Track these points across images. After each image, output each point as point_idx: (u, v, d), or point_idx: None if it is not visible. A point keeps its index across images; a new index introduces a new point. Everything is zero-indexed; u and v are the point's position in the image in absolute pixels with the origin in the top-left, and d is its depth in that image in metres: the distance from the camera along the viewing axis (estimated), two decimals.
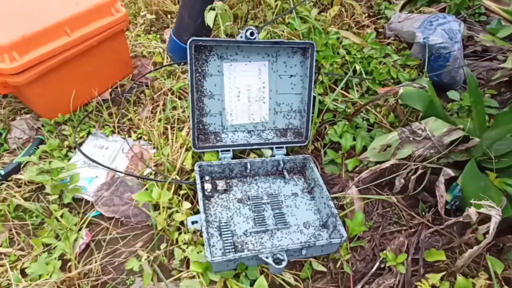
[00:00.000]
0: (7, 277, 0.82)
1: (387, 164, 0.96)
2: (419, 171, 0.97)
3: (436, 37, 1.37)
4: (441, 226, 0.92)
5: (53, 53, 1.02)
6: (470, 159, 0.98)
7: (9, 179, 1.02)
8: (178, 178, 1.01)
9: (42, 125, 1.15)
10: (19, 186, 1.01)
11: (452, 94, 1.32)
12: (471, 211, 0.84)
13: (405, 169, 1.01)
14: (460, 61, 1.35)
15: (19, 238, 0.92)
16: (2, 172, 1.01)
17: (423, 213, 1.02)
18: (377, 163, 1.07)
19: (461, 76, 1.39)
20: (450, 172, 0.94)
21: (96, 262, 0.86)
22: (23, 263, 0.85)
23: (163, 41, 1.58)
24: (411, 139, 1.00)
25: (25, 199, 0.98)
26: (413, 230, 1.01)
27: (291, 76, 1.07)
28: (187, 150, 1.06)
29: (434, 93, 1.02)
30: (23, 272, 0.84)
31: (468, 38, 1.63)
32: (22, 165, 1.05)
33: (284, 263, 0.79)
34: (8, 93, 1.16)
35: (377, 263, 0.95)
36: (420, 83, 1.03)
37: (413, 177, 0.98)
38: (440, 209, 0.94)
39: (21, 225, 0.94)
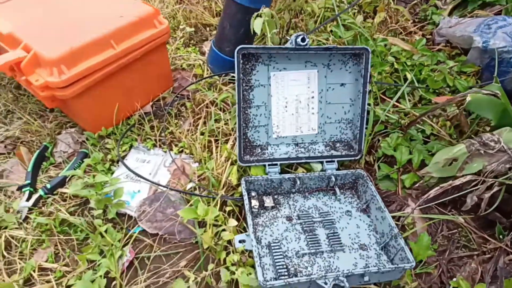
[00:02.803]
0: None
1: (462, 180, 0.85)
2: (495, 189, 0.86)
3: (497, 40, 1.26)
4: None
5: (99, 66, 1.01)
6: None
7: (54, 192, 1.01)
8: (223, 193, 0.96)
9: (86, 139, 1.14)
10: (64, 200, 1.00)
11: None
12: None
13: (475, 185, 0.90)
14: None
15: (64, 253, 0.89)
16: (49, 186, 1.00)
17: (501, 236, 0.90)
18: (440, 179, 0.97)
19: None
20: None
21: (141, 282, 0.82)
22: (68, 280, 0.83)
23: (202, 53, 1.56)
24: (482, 152, 0.90)
25: (70, 213, 0.96)
26: (487, 256, 0.89)
27: (342, 84, 1.01)
28: (232, 164, 1.01)
29: (507, 101, 0.91)
30: None
31: None
32: (67, 179, 1.04)
33: None
34: (55, 107, 1.17)
35: None
36: (490, 89, 0.93)
37: (487, 195, 0.87)
38: None
39: (66, 240, 0.92)
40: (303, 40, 0.88)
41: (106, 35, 1.02)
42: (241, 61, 0.91)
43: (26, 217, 0.95)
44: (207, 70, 1.41)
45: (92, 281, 0.79)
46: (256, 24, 0.99)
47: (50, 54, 0.93)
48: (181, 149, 1.16)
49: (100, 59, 1.01)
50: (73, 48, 0.95)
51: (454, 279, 0.85)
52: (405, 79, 1.30)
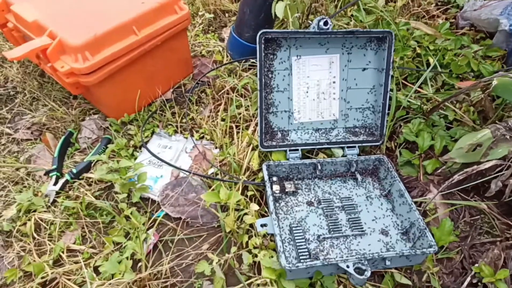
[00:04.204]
0: (82, 274, 0.82)
1: (488, 164, 0.84)
2: None
3: None
4: None
5: (122, 53, 1.02)
6: None
7: (80, 177, 1.04)
8: (245, 178, 0.97)
9: (110, 125, 1.16)
10: (90, 185, 1.03)
11: None
12: None
13: (500, 171, 0.88)
14: None
15: (91, 236, 0.93)
16: (74, 171, 1.03)
17: None
18: (463, 164, 0.95)
19: None
20: None
21: (165, 264, 0.84)
22: (96, 261, 0.86)
23: (221, 39, 1.56)
24: (508, 137, 0.88)
25: (96, 197, 0.99)
26: (511, 242, 0.88)
27: (364, 69, 0.99)
28: (253, 149, 1.01)
29: None
30: (96, 270, 0.84)
31: None
32: (92, 164, 1.07)
33: (367, 274, 0.72)
34: (79, 94, 1.19)
35: (468, 278, 0.84)
36: None
37: None
38: None
39: (92, 222, 0.95)
40: (325, 23, 0.87)
41: (129, 22, 1.02)
42: (263, 46, 0.91)
43: (54, 201, 0.99)
44: (227, 56, 1.41)
45: (119, 262, 0.81)
46: (278, 8, 0.98)
47: (75, 41, 0.94)
48: (202, 135, 1.17)
49: (122, 45, 1.02)
50: (97, 34, 0.96)
51: (477, 265, 0.84)
52: (428, 64, 1.27)
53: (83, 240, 0.92)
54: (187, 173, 1.03)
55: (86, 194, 0.99)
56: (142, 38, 1.06)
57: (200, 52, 1.47)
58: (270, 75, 0.96)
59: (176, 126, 1.19)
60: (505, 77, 0.91)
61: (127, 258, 0.82)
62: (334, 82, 1.00)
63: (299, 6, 1.02)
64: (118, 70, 1.05)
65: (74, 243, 0.91)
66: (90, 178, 1.04)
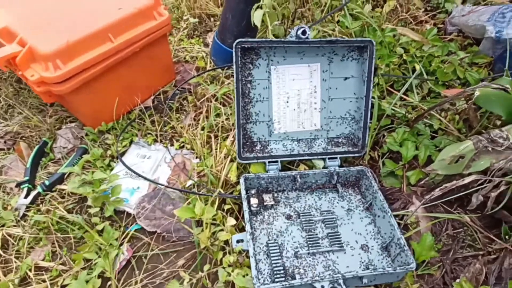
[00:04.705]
0: None
1: (468, 180, 0.82)
2: (502, 187, 0.82)
3: (511, 30, 1.20)
4: None
5: (97, 60, 0.99)
6: None
7: (53, 189, 1.00)
8: (222, 191, 0.94)
9: (86, 134, 1.13)
10: (63, 197, 1.00)
11: None
12: None
13: (482, 184, 0.86)
14: None
15: (61, 252, 0.89)
16: (47, 182, 0.99)
17: (507, 236, 0.87)
18: (446, 176, 0.93)
19: None
20: None
21: (137, 282, 0.81)
22: (64, 279, 0.82)
23: (206, 45, 1.53)
24: (490, 149, 0.85)
25: (68, 211, 0.95)
26: (493, 256, 0.86)
27: (346, 78, 0.97)
28: (231, 161, 0.98)
29: None
30: None
31: None
32: (66, 175, 1.03)
33: None
34: (53, 102, 1.16)
35: None
36: (500, 83, 0.88)
37: (493, 194, 0.83)
38: None
39: (63, 238, 0.92)
40: (304, 33, 0.84)
41: (104, 28, 0.99)
42: (240, 55, 0.88)
43: (24, 215, 0.95)
44: (210, 62, 1.38)
45: (87, 282, 0.78)
46: (256, 16, 0.95)
47: (45, 48, 0.91)
48: (182, 144, 1.14)
49: (97, 53, 0.99)
50: (70, 42, 0.93)
51: (458, 280, 0.82)
52: (414, 71, 1.25)
53: (53, 257, 0.89)
54: (163, 186, 0.99)
55: (57, 208, 0.95)
56: (119, 45, 1.03)
57: (184, 58, 1.44)
58: (248, 85, 0.93)
59: (156, 135, 1.16)
60: (487, 88, 0.89)
61: (95, 276, 0.79)
62: (315, 92, 0.97)
63: (279, 13, 0.99)
64: (93, 78, 1.01)
65: (43, 260, 0.87)
66: (63, 190, 1.01)
